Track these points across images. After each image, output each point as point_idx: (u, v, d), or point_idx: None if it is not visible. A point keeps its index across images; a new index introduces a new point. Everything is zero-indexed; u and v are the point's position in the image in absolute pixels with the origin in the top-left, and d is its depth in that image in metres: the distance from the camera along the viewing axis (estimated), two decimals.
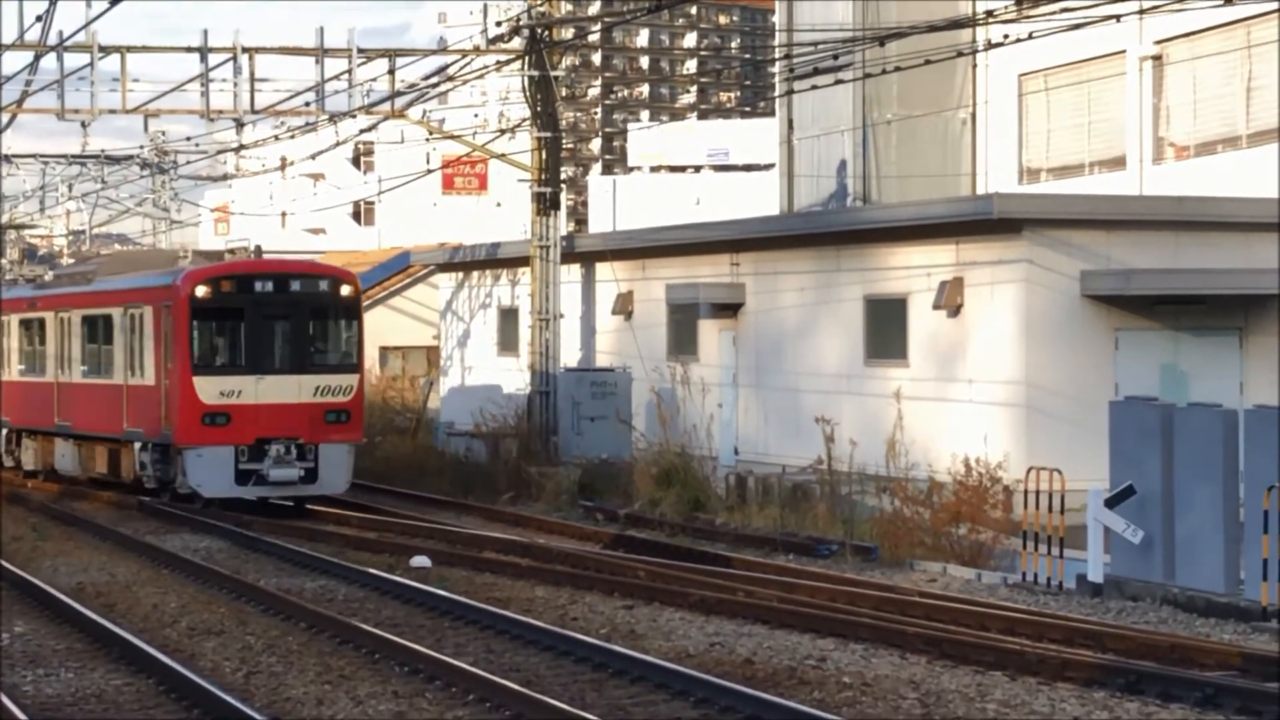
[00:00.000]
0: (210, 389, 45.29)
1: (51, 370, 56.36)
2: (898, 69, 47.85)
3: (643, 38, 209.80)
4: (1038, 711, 22.79)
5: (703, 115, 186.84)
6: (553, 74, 52.78)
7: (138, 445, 48.43)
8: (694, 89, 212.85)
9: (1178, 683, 23.72)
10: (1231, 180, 49.58)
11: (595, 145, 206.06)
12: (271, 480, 45.24)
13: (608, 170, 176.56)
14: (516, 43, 53.61)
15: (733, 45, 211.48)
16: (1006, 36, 43.56)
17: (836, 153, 65.63)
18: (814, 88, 49.05)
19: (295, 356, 46.35)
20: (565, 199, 69.46)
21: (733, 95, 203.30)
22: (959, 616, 28.81)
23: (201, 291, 45.85)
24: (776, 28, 75.01)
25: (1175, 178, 53.16)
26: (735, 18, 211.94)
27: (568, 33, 61.43)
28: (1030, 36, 41.92)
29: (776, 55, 69.81)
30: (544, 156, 53.60)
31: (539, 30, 52.64)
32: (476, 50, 54.13)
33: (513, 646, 27.74)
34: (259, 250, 52.62)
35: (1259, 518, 28.30)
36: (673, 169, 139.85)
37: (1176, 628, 28.28)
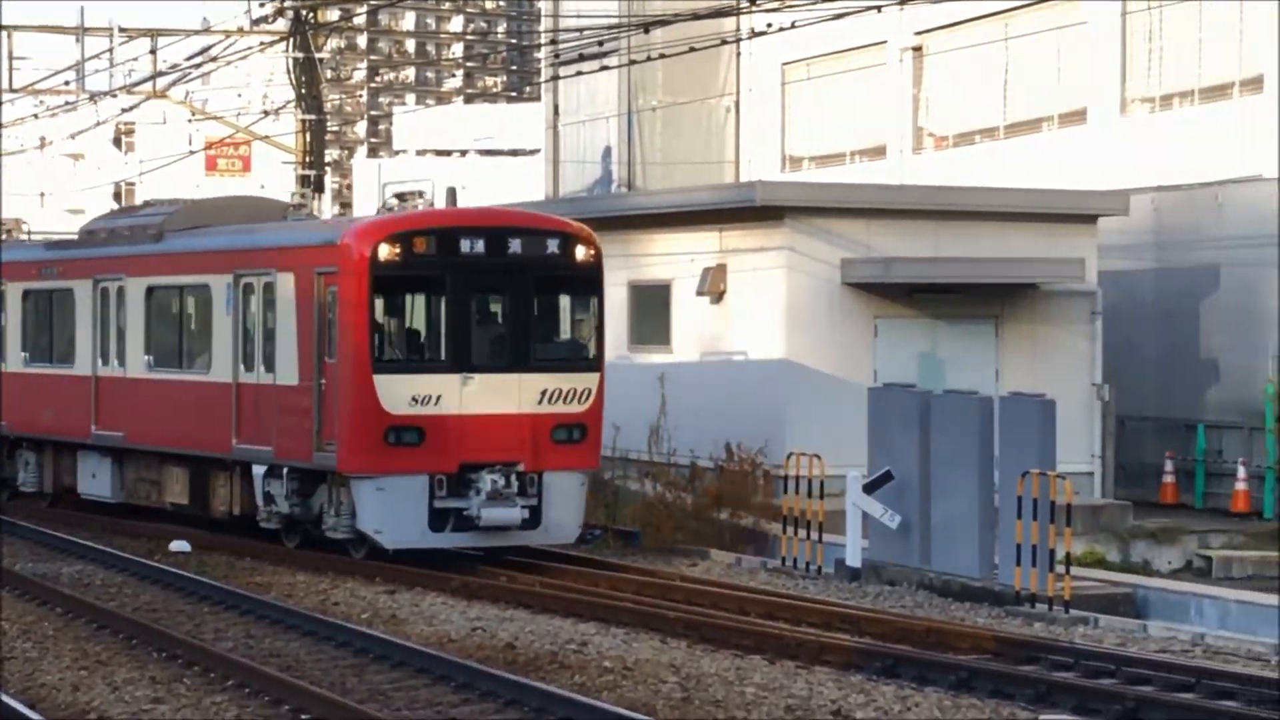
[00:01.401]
0: (399, 393, 31.10)
1: (86, 360, 40.47)
2: (662, 56, 48.08)
3: (409, 21, 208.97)
4: (796, 695, 22.97)
5: (469, 100, 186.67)
6: (318, 56, 52.49)
7: (260, 470, 33.83)
8: (460, 73, 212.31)
9: (933, 666, 24.08)
10: (989, 171, 50.30)
11: (361, 128, 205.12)
12: (482, 524, 31.27)
13: (373, 153, 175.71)
14: (281, 24, 53.05)
15: (499, 30, 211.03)
16: (770, 25, 43.90)
17: (601, 139, 66.04)
18: (579, 74, 49.28)
19: (515, 348, 32.11)
20: (330, 182, 69.06)
21: (499, 80, 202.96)
22: (719, 601, 29.17)
23: (387, 252, 31.15)
24: (542, 14, 74.89)
25: (935, 168, 53.84)
26: (502, 2, 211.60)
27: (333, 15, 61.02)
28: (793, 25, 42.22)
29: (542, 41, 69.75)
30: (308, 139, 53.05)
31: (303, 12, 52.29)
32: (240, 31, 53.87)
33: (273, 631, 27.57)
34: (453, 193, 34.79)
35: (1013, 503, 28.76)
36: (439, 153, 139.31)
37: (932, 612, 28.75)
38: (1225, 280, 44.75)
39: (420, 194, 35.17)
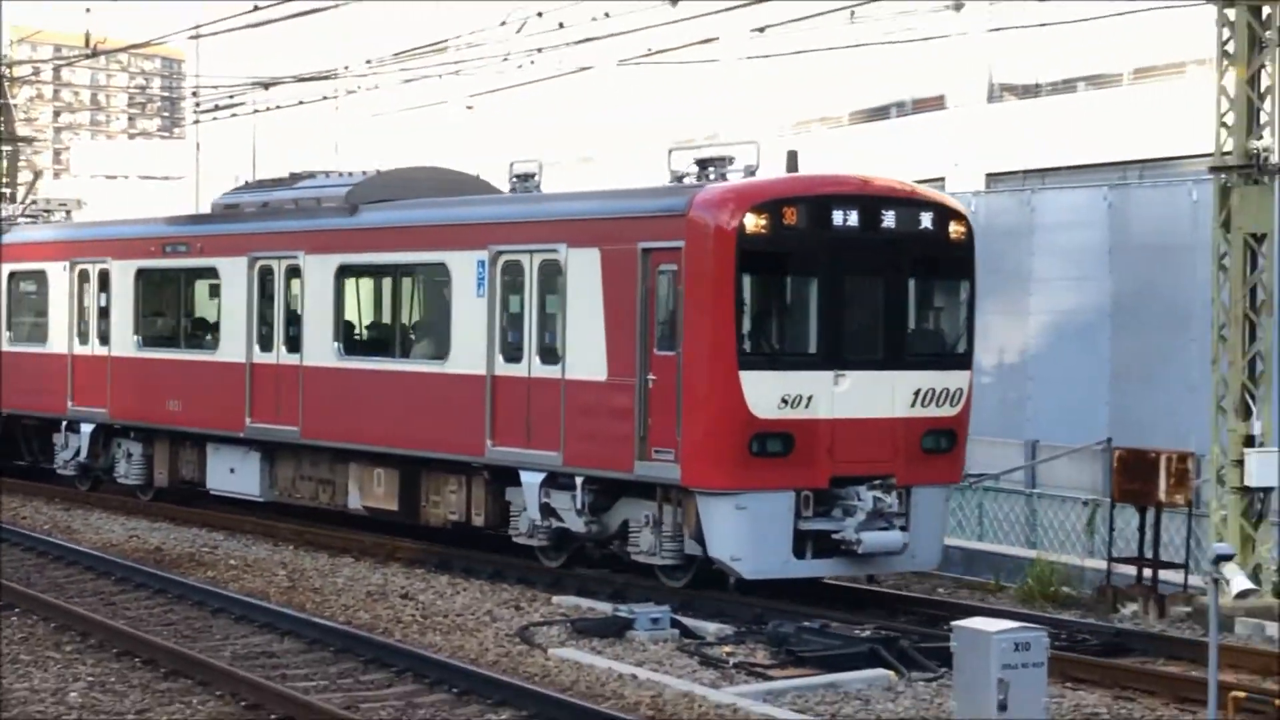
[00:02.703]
0: (767, 394, 20.66)
1: (237, 346, 28.02)
2: (278, 108, 47.97)
3: (84, 76, 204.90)
4: (374, 583, 23.64)
5: (131, 137, 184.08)
6: (12, 102, 51.58)
7: (535, 479, 22.73)
8: (125, 117, 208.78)
9: (473, 560, 24.82)
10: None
11: (46, 157, 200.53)
12: (862, 549, 20.79)
13: (56, 176, 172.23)
14: None
15: (155, 84, 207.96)
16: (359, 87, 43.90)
17: (238, 167, 65.86)
18: (215, 119, 49.09)
19: (889, 340, 21.83)
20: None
21: (155, 122, 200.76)
22: (323, 516, 28.29)
23: (754, 224, 20.61)
24: (188, 74, 74.44)
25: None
26: (157, 63, 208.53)
27: (24, 70, 60.13)
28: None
29: (187, 93, 69.22)
30: (5, 164, 51.49)
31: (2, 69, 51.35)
32: None
33: None
34: (794, 157, 22.75)
35: None
36: (108, 177, 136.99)
37: None
38: None
39: (730, 159, 21.91)
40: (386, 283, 26.14)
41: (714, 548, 20.47)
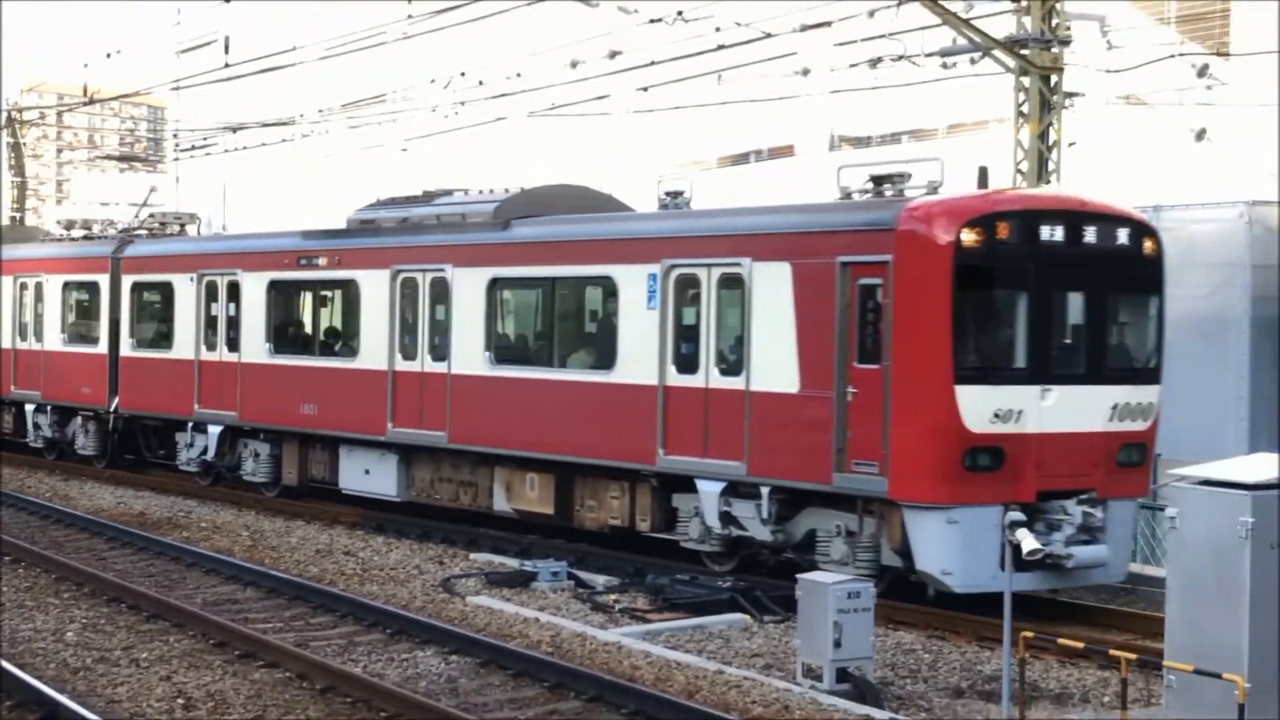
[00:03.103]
0: (981, 408, 17.64)
1: (379, 355, 24.06)
2: (244, 148, 47.63)
3: (83, 120, 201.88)
4: (322, 541, 23.64)
5: (122, 171, 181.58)
6: (22, 141, 50.66)
7: (709, 487, 19.46)
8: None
9: (405, 524, 24.49)
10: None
11: (50, 187, 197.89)
12: (1072, 564, 17.54)
13: (59, 203, 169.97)
14: None
15: (142, 128, 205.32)
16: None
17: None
18: (191, 157, 48.60)
19: (1090, 355, 18.66)
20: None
21: (143, 159, 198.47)
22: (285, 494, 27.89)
23: (971, 239, 17.66)
24: (169, 119, 73.48)
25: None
26: (146, 109, 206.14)
27: (32, 115, 58.91)
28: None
29: (170, 134, 68.37)
30: (15, 192, 50.54)
31: (14, 115, 50.42)
32: None
33: None
34: (984, 173, 19.50)
35: None
36: (103, 204, 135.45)
37: None
38: None
39: (908, 175, 18.98)
40: (542, 295, 22.39)
41: (923, 561, 17.26)
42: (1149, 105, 32.59)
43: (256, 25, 48.55)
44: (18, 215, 48.96)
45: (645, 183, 23.68)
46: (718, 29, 29.85)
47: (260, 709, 13.63)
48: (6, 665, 14.31)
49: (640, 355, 20.18)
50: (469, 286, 22.69)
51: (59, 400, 30.63)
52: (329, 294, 25.82)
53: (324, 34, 42.19)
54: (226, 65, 34.65)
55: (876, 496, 17.57)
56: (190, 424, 27.78)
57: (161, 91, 61.39)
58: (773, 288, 18.73)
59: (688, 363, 19.72)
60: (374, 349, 24.17)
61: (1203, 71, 30.28)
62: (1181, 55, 29.67)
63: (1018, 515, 14.43)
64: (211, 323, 27.18)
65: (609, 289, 21.09)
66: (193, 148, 50.02)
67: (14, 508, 26.26)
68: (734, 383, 19.05)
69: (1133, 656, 12.09)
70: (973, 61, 24.10)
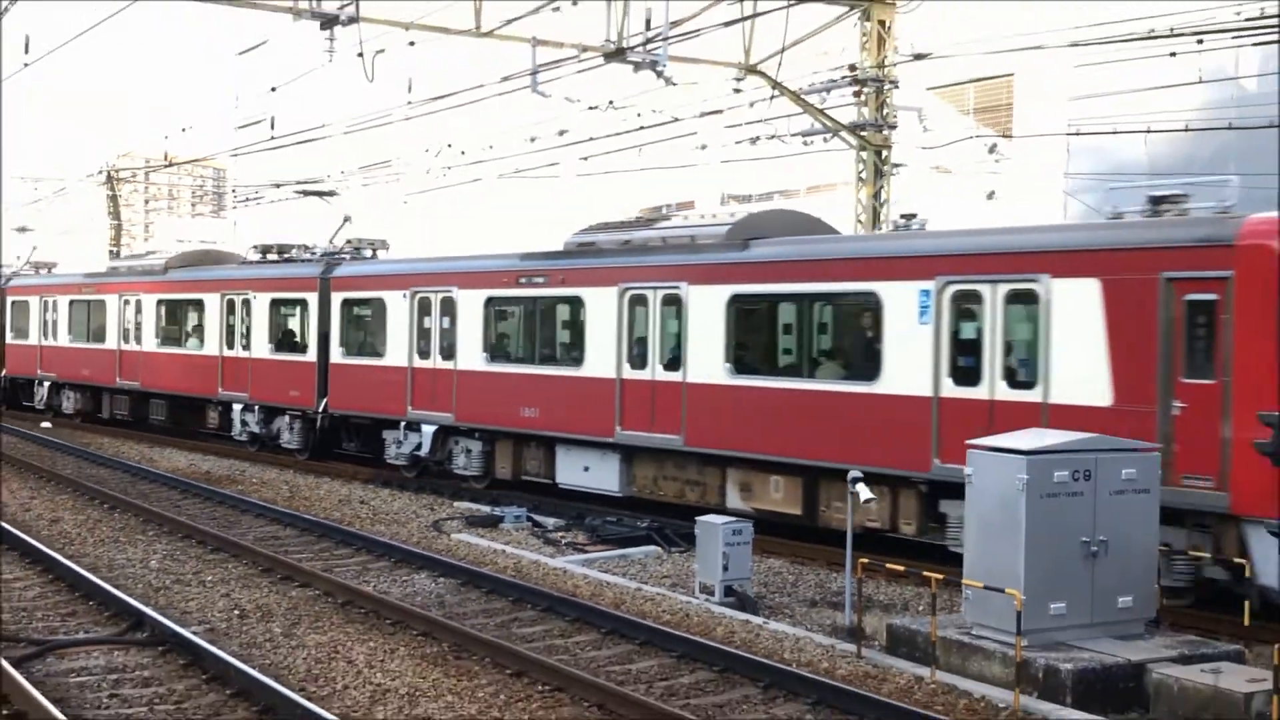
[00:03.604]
0: None
1: (605, 364, 20.15)
2: (285, 200, 46.86)
3: (163, 178, 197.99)
4: (343, 494, 23.21)
5: (194, 217, 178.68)
6: (118, 194, 49.63)
7: None
8: (190, 204, 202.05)
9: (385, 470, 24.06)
10: None
11: (140, 229, 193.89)
12: None
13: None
14: (100, 177, 50.23)
15: (208, 184, 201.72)
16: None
17: None
18: (245, 206, 47.65)
19: None
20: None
21: (208, 208, 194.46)
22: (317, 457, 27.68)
23: None
24: (229, 177, 72.04)
25: None
26: (210, 171, 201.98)
27: (126, 174, 57.73)
28: None
29: (230, 189, 67.42)
30: (115, 232, 49.74)
31: (112, 173, 49.42)
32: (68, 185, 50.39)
33: (92, 464, 26.47)
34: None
35: None
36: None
37: None
38: None
39: (1186, 196, 14.86)
40: (788, 310, 18.21)
41: (1266, 575, 13.06)
42: (953, 173, 32.87)
43: (295, 108, 48.06)
44: (115, 250, 48.28)
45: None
46: (639, 114, 29.99)
47: (296, 618, 13.53)
48: (106, 585, 14.20)
49: (910, 369, 16.19)
50: (706, 303, 18.74)
51: (266, 401, 27.40)
52: (551, 309, 21.68)
53: (345, 114, 41.85)
54: (272, 138, 34.32)
55: (1213, 511, 13.51)
56: (403, 423, 23.94)
57: (223, 157, 60.68)
58: (1077, 304, 14.81)
59: (967, 376, 15.76)
60: (600, 359, 20.20)
61: (992, 149, 30.59)
62: (977, 136, 29.97)
63: (857, 473, 14.32)
64: (424, 334, 23.56)
65: (871, 305, 16.90)
66: (246, 199, 49.55)
67: (109, 467, 25.97)
68: (1027, 395, 15.13)
69: (940, 576, 12.20)
70: (825, 140, 24.25)
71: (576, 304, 20.91)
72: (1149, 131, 23.40)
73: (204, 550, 17.30)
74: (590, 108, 28.66)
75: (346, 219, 30.08)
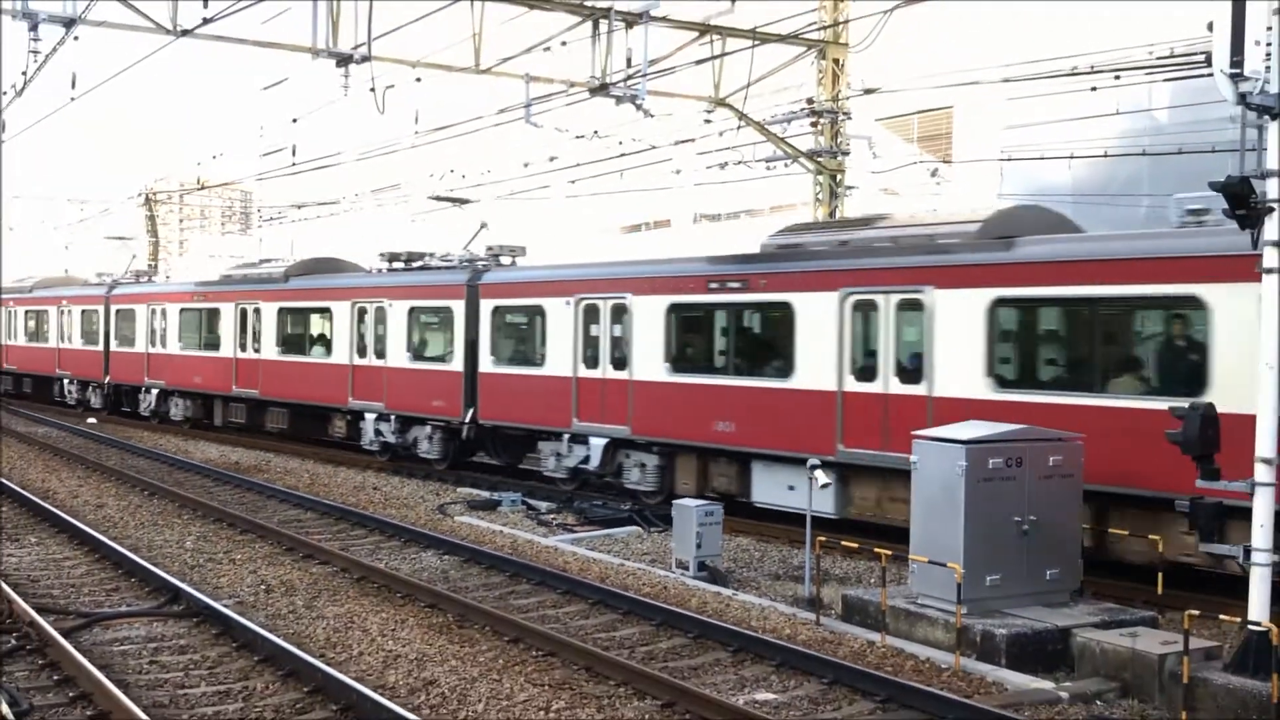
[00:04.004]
0: None
1: (823, 375, 16.10)
2: (305, 220, 46.64)
3: (196, 199, 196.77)
4: (358, 481, 22.92)
5: (224, 234, 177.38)
6: (155, 214, 49.33)
7: None
8: (220, 223, 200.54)
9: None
10: None
11: (175, 245, 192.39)
12: None
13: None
14: (139, 199, 49.94)
15: (236, 205, 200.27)
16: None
17: None
18: (270, 224, 47.40)
19: None
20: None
21: (237, 226, 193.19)
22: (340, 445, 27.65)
23: None
24: (254, 199, 71.53)
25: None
26: (237, 193, 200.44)
27: (163, 196, 57.39)
28: None
29: (256, 209, 67.11)
30: (150, 251, 49.43)
31: (150, 197, 49.13)
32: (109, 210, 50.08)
33: (134, 456, 26.22)
34: None
35: None
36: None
37: None
38: None
39: None
40: (1073, 314, 13.96)
41: None
42: (899, 194, 32.97)
43: (314, 137, 47.88)
44: (153, 265, 48.01)
45: (574, 244, 23.45)
46: (620, 143, 29.98)
47: (316, 592, 13.47)
48: (146, 563, 14.10)
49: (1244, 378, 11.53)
50: (959, 308, 14.76)
51: (404, 410, 23.60)
52: (752, 316, 17.79)
53: (359, 142, 41.72)
54: (293, 164, 34.20)
55: None
56: (567, 435, 20.25)
57: (249, 181, 60.52)
58: None
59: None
60: (814, 370, 16.40)
61: (934, 173, 30.66)
62: (920, 162, 30.05)
63: (816, 460, 14.34)
64: (591, 342, 19.74)
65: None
66: (271, 219, 49.39)
67: (147, 458, 25.78)
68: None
69: (889, 552, 12.21)
70: (786, 165, 24.28)
71: (782, 309, 16.91)
72: (1073, 157, 23.51)
73: (234, 532, 17.20)
74: (578, 137, 28.65)
75: (483, 225, 26.43)
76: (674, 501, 14.97)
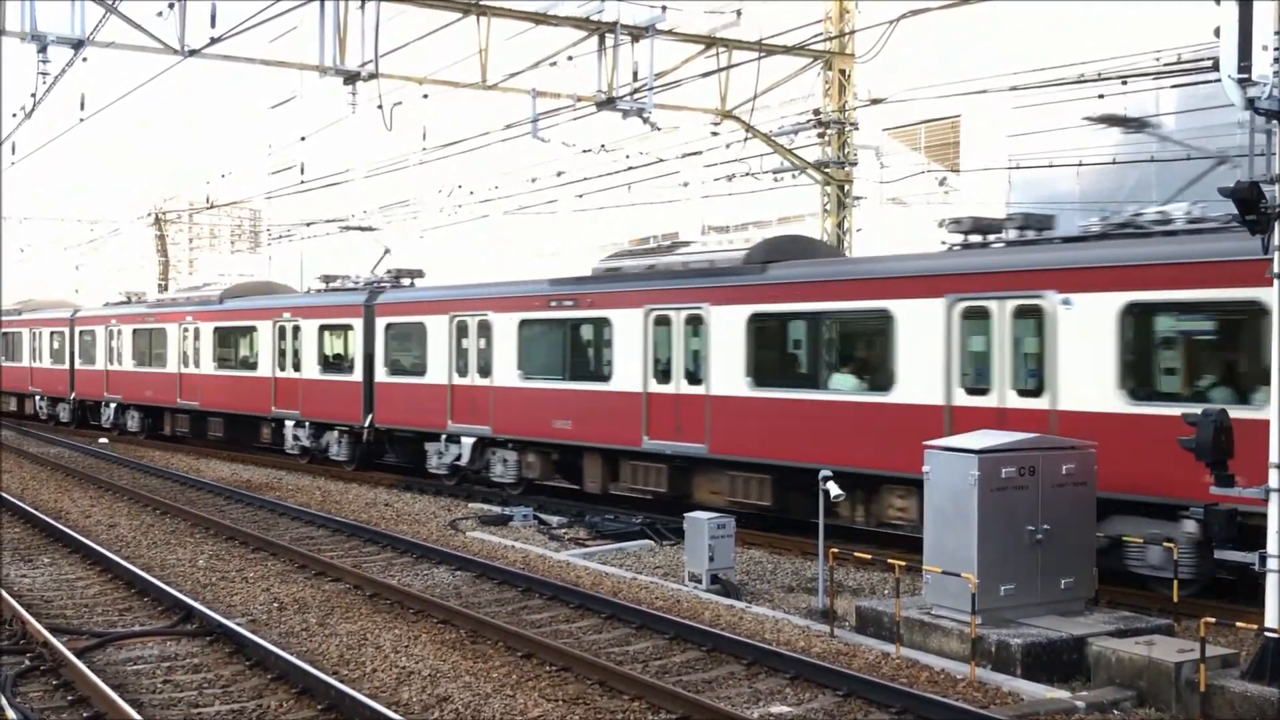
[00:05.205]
0: None
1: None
2: (313, 237, 46.71)
3: (206, 218, 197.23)
4: (369, 498, 22.91)
5: (233, 252, 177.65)
6: (165, 234, 49.53)
7: None
8: (230, 241, 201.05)
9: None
10: None
11: (185, 264, 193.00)
12: None
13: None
14: (149, 218, 50.16)
15: (245, 223, 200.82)
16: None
17: None
18: (279, 243, 47.49)
19: None
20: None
21: (246, 244, 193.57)
22: (341, 464, 27.64)
23: None
24: (264, 218, 71.69)
25: None
26: (247, 211, 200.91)
27: (173, 217, 57.55)
28: None
29: (265, 228, 67.32)
30: (162, 272, 49.63)
31: (160, 215, 49.40)
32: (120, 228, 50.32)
33: (145, 474, 26.29)
34: None
35: None
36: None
37: None
38: None
39: None
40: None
41: None
42: (907, 204, 32.97)
43: (322, 154, 48.08)
44: (162, 284, 48.18)
45: (581, 256, 23.54)
46: (627, 156, 30.00)
47: (329, 609, 13.47)
48: (159, 582, 14.12)
49: None
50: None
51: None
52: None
53: (367, 159, 41.82)
54: (302, 181, 34.31)
55: None
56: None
57: (258, 199, 60.67)
58: None
59: None
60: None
61: (942, 182, 30.67)
62: (928, 171, 30.06)
63: (828, 472, 14.29)
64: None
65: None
66: (280, 237, 49.56)
67: (161, 477, 25.82)
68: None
69: (903, 563, 12.18)
70: (794, 176, 24.30)
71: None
72: (1080, 165, 23.49)
73: (246, 550, 17.24)
74: (584, 151, 28.69)
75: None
76: (686, 515, 14.98)
